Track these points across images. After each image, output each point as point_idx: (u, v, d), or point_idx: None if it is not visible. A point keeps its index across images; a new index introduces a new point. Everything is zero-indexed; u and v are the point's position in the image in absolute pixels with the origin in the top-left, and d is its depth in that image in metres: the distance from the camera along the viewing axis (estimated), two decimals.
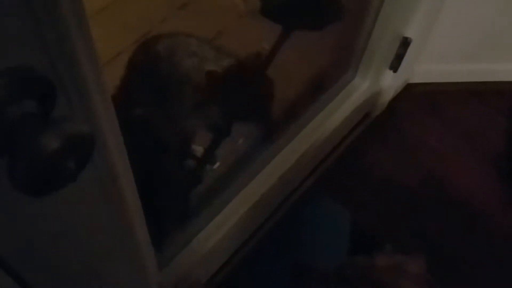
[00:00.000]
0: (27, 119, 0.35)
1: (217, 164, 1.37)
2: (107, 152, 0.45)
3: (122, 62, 1.46)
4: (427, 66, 1.56)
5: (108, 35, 1.51)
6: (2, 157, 0.35)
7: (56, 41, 0.36)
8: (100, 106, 0.41)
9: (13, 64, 0.35)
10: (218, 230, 1.09)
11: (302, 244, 1.29)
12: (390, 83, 1.41)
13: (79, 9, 0.36)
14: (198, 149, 1.37)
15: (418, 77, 1.59)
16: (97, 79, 0.40)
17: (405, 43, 1.26)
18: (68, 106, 0.40)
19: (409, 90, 1.60)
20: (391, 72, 1.36)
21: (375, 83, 1.37)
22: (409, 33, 1.25)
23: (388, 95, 1.51)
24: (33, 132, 0.35)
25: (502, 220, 1.37)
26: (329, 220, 1.33)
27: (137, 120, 1.06)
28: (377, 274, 0.85)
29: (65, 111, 0.40)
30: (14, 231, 0.44)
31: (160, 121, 1.17)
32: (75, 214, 0.50)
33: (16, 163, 0.35)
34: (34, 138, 0.34)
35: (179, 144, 1.35)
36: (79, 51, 0.37)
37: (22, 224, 0.44)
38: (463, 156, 1.49)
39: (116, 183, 0.50)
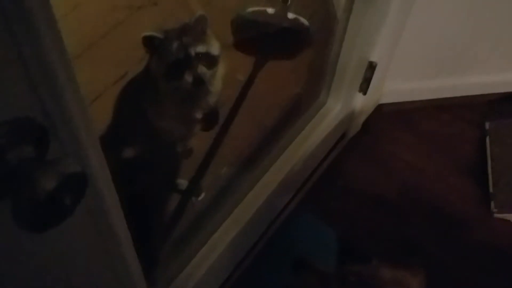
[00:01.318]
0: (25, 163, 0.39)
1: (202, 195, 1.40)
2: (97, 188, 0.50)
3: (107, 99, 1.51)
4: (396, 86, 1.63)
5: (95, 73, 1.56)
6: (5, 199, 0.39)
7: (48, 92, 0.40)
8: (89, 147, 0.46)
9: (10, 115, 0.39)
10: (209, 257, 1.12)
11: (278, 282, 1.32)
12: (361, 105, 1.48)
13: (66, 59, 0.40)
14: (183, 183, 1.41)
15: (388, 97, 1.66)
16: (85, 123, 0.45)
17: (371, 66, 1.33)
18: (61, 148, 0.45)
19: (381, 110, 1.67)
20: (361, 94, 1.42)
21: (347, 105, 1.43)
22: (374, 57, 1.32)
23: (361, 116, 1.57)
24: (31, 175, 0.39)
25: (480, 227, 1.43)
26: (316, 238, 1.37)
27: (124, 158, 1.10)
28: (380, 284, 0.88)
29: (58, 153, 0.44)
30: (11, 265, 0.47)
31: (145, 156, 1.22)
32: (69, 247, 0.53)
33: (19, 204, 0.39)
34: (32, 180, 0.39)
35: (163, 178, 1.39)
36: (68, 100, 0.42)
37: (19, 258, 0.48)
38: (438, 168, 1.55)
39: (107, 216, 0.54)
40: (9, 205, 0.39)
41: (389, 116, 1.66)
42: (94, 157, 0.47)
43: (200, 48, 1.05)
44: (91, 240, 0.56)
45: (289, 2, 1.72)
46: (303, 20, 1.74)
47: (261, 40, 1.71)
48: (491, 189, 1.47)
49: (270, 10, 1.75)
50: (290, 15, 1.74)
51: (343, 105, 1.40)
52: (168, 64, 1.05)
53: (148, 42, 1.06)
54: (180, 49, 1.04)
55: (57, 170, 0.40)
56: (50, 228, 0.40)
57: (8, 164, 0.39)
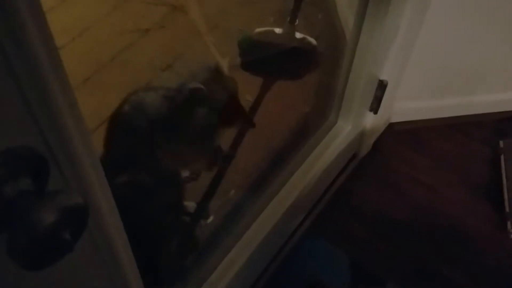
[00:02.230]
0: (23, 196, 0.37)
1: (211, 218, 1.38)
2: (101, 219, 0.48)
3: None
4: (407, 105, 1.61)
5: (102, 96, 1.56)
6: (1, 233, 0.37)
7: (47, 120, 0.39)
8: (92, 177, 0.44)
9: (8, 144, 0.37)
10: (219, 283, 1.09)
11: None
12: (372, 124, 1.45)
13: (67, 88, 0.39)
14: (191, 205, 1.39)
15: (399, 116, 1.64)
16: (87, 151, 0.43)
17: (382, 85, 1.31)
18: (61, 180, 0.43)
19: (392, 129, 1.65)
20: (371, 113, 1.40)
21: (358, 125, 1.41)
22: (384, 76, 1.30)
23: (372, 136, 1.55)
24: (29, 208, 0.37)
25: (497, 248, 1.39)
26: (328, 262, 1.34)
27: (128, 183, 1.08)
28: None
29: (58, 184, 0.42)
30: None
31: (150, 180, 1.20)
32: (73, 281, 0.51)
33: (15, 239, 0.37)
34: (31, 213, 0.37)
35: (171, 201, 1.37)
36: (69, 127, 0.40)
37: None
38: (452, 188, 1.51)
39: (112, 248, 0.52)
40: (4, 240, 0.37)
41: (400, 136, 1.63)
42: (98, 187, 0.45)
43: None
44: (95, 272, 0.53)
45: (296, 22, 1.71)
46: (311, 40, 1.73)
47: (269, 61, 1.70)
48: (507, 209, 1.43)
49: (278, 30, 1.74)
50: (298, 35, 1.73)
51: (353, 124, 1.38)
52: None
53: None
54: None
55: (56, 203, 0.38)
56: (49, 265, 0.38)
57: (5, 196, 0.37)
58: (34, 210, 0.36)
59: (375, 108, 1.38)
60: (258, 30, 1.75)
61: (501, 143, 1.56)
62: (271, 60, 1.71)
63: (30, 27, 0.34)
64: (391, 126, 1.65)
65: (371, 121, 1.44)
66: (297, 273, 1.31)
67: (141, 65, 1.73)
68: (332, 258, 1.34)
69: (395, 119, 1.65)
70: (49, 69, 0.37)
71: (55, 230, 0.36)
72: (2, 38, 0.32)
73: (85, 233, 0.41)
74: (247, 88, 1.66)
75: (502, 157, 1.53)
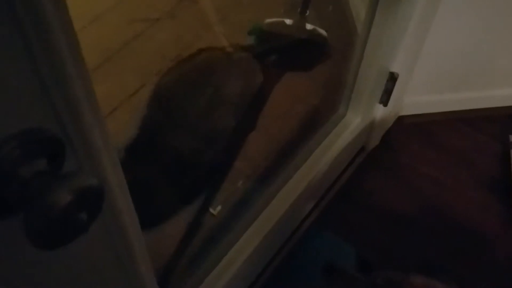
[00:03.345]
0: (39, 177, 0.38)
1: (219, 207, 1.39)
2: (113, 202, 0.48)
3: (124, 111, 1.51)
4: (417, 98, 1.60)
5: (112, 85, 1.57)
6: (18, 214, 0.38)
7: (63, 103, 0.39)
8: (106, 159, 0.44)
9: (24, 126, 0.37)
10: (225, 273, 1.10)
11: (311, 279, 1.30)
12: (381, 117, 1.45)
13: (84, 72, 0.39)
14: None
15: (408, 109, 1.63)
16: (102, 134, 0.43)
17: (392, 78, 1.30)
18: (76, 162, 0.43)
19: (401, 122, 1.64)
20: (381, 106, 1.39)
21: (367, 118, 1.41)
22: (395, 68, 1.29)
23: (381, 129, 1.54)
24: (46, 189, 0.37)
25: (504, 243, 1.38)
26: (335, 255, 1.34)
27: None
28: None
29: (73, 167, 0.42)
30: (21, 281, 0.46)
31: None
32: (82, 264, 0.51)
33: (32, 220, 0.37)
34: (47, 194, 0.37)
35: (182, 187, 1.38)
36: (85, 110, 0.40)
37: (30, 274, 0.46)
38: (460, 182, 1.51)
39: (123, 231, 0.52)
40: (21, 220, 0.37)
41: (409, 129, 1.63)
42: (112, 170, 0.45)
43: None
44: (105, 256, 0.54)
45: (307, 13, 1.71)
46: (321, 31, 1.72)
47: (279, 51, 1.70)
48: None
49: (288, 21, 1.74)
50: (308, 26, 1.73)
51: (363, 117, 1.38)
52: None
53: None
54: None
55: (72, 184, 0.38)
56: (63, 245, 0.38)
57: (22, 178, 0.37)
58: (50, 190, 0.37)
59: (385, 100, 1.37)
60: (268, 20, 1.74)
61: (511, 138, 1.55)
62: (281, 51, 1.71)
63: (50, 10, 0.34)
64: (400, 119, 1.64)
65: (381, 114, 1.43)
66: (308, 258, 1.31)
67: (151, 54, 1.73)
68: (339, 250, 1.35)
69: (405, 112, 1.64)
70: (67, 51, 0.37)
71: (71, 211, 0.37)
72: (23, 18, 0.33)
73: (99, 216, 0.41)
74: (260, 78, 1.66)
75: (511, 151, 1.52)
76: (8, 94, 0.35)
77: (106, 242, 0.51)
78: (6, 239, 0.40)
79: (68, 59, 0.37)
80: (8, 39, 0.33)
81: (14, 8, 0.32)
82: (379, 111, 1.42)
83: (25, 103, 0.37)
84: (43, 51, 0.35)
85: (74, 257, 0.47)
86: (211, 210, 1.39)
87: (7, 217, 0.39)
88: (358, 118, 1.38)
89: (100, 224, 0.45)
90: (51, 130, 0.39)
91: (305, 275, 1.29)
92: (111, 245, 0.52)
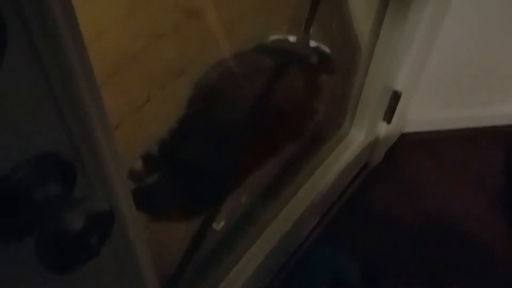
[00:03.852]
0: (52, 201, 0.38)
1: (222, 223, 1.39)
2: (124, 226, 0.48)
3: (129, 126, 1.52)
4: (420, 115, 1.60)
5: (117, 100, 1.58)
6: (30, 237, 0.38)
7: (78, 128, 0.39)
8: (117, 184, 0.44)
9: (39, 151, 0.38)
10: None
11: None
12: (385, 134, 1.45)
13: (98, 99, 0.39)
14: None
15: (412, 126, 1.64)
16: (114, 159, 0.43)
17: (396, 96, 1.31)
18: (87, 186, 0.43)
19: (405, 139, 1.64)
20: (385, 123, 1.40)
21: (371, 135, 1.41)
22: (398, 86, 1.30)
23: (384, 145, 1.55)
24: (58, 213, 0.37)
25: (509, 258, 1.38)
26: (340, 269, 1.34)
27: None
28: None
29: (84, 191, 0.43)
30: None
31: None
32: (92, 285, 0.52)
33: (43, 243, 0.37)
34: (59, 218, 0.37)
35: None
36: (98, 136, 0.41)
37: None
38: (465, 199, 1.51)
39: (132, 254, 0.52)
40: (33, 243, 0.37)
41: (413, 146, 1.63)
42: (122, 194, 0.46)
43: None
44: (113, 279, 0.54)
45: (311, 30, 1.72)
46: (325, 48, 1.73)
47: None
48: None
49: (292, 38, 1.75)
50: (312, 43, 1.74)
51: (366, 134, 1.38)
52: None
53: None
54: None
55: (84, 208, 0.38)
56: (75, 269, 0.38)
57: (35, 201, 0.38)
58: (62, 214, 0.37)
59: (388, 118, 1.38)
60: (272, 37, 1.76)
61: None
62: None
63: (63, 29, 0.35)
64: (403, 136, 1.65)
65: (384, 131, 1.44)
66: (313, 273, 1.31)
67: (156, 68, 1.74)
68: (344, 264, 1.34)
69: (408, 129, 1.64)
70: (81, 75, 0.37)
71: (82, 235, 0.37)
72: (37, 39, 0.33)
73: (109, 239, 0.42)
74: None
75: None
76: (25, 119, 0.35)
77: (115, 265, 0.51)
78: (18, 261, 0.40)
79: (81, 81, 0.38)
80: (26, 67, 0.34)
81: (32, 40, 0.33)
82: (383, 128, 1.43)
83: (41, 128, 0.37)
84: (59, 79, 0.36)
85: (82, 279, 0.47)
86: (214, 225, 1.39)
87: (20, 240, 0.39)
88: (362, 135, 1.39)
89: (109, 248, 0.45)
90: (64, 155, 0.40)
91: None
92: (119, 268, 0.52)
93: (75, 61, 0.37)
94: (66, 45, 0.35)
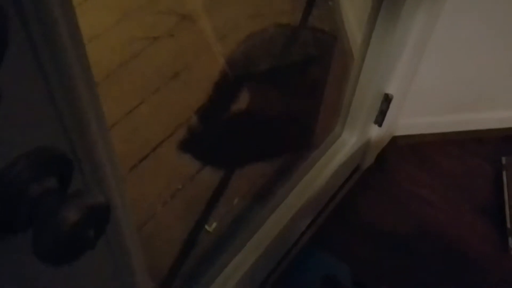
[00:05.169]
0: (48, 194, 0.39)
1: (214, 225, 1.39)
2: (117, 220, 0.49)
3: (122, 129, 1.53)
4: (411, 119, 1.62)
5: (111, 102, 1.58)
6: (27, 231, 0.39)
7: (74, 124, 0.40)
8: (111, 178, 0.45)
9: (36, 145, 0.39)
10: None
11: None
12: (376, 137, 1.47)
13: (94, 94, 0.41)
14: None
15: (403, 130, 1.65)
16: (108, 154, 0.44)
17: (387, 99, 1.33)
18: (82, 180, 0.44)
19: (396, 143, 1.66)
20: (376, 126, 1.42)
21: (362, 137, 1.43)
22: (390, 90, 1.32)
23: (375, 149, 1.56)
24: (55, 206, 0.38)
25: (497, 265, 1.39)
26: (330, 273, 1.35)
27: None
28: None
29: (79, 185, 0.44)
30: None
31: None
32: (85, 278, 0.52)
33: (40, 236, 0.38)
34: (56, 212, 0.38)
35: None
36: (94, 131, 0.42)
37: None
38: (453, 204, 1.52)
39: (124, 248, 0.53)
40: (30, 236, 0.38)
41: (403, 149, 1.65)
42: (117, 188, 0.47)
43: None
44: (106, 271, 0.55)
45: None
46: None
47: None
48: (508, 225, 1.44)
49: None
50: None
51: (358, 137, 1.40)
52: None
53: None
54: None
55: (80, 202, 0.39)
56: (71, 261, 0.39)
57: (32, 195, 0.39)
58: (59, 208, 0.38)
59: (380, 121, 1.40)
60: None
61: (503, 160, 1.57)
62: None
63: (62, 27, 0.36)
64: (394, 140, 1.67)
65: (376, 134, 1.45)
66: (303, 277, 1.32)
67: (150, 72, 1.76)
68: (334, 268, 1.35)
69: (399, 132, 1.66)
70: (78, 71, 0.38)
71: (79, 228, 0.38)
72: (35, 35, 0.34)
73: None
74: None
75: (504, 173, 1.55)
76: (23, 114, 0.36)
77: (107, 257, 0.52)
78: (14, 254, 0.41)
79: (78, 77, 0.39)
80: (24, 63, 0.35)
81: (31, 35, 0.34)
82: (374, 131, 1.44)
83: (37, 122, 0.38)
84: (56, 74, 0.37)
85: (77, 271, 0.48)
86: (206, 227, 1.40)
87: (16, 233, 0.40)
88: (354, 138, 1.40)
89: (103, 240, 0.46)
90: (60, 149, 0.41)
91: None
92: (111, 260, 0.53)
93: (72, 57, 0.38)
94: (64, 41, 0.37)
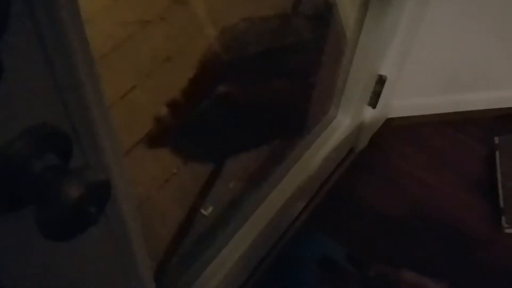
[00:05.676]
0: (50, 171, 0.39)
1: (210, 209, 1.40)
2: (118, 196, 0.49)
3: (115, 112, 1.52)
4: (405, 100, 1.63)
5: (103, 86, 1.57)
6: (29, 207, 0.39)
7: (74, 100, 0.40)
8: (111, 156, 0.45)
9: (37, 121, 0.39)
10: (217, 273, 1.11)
11: (301, 283, 1.32)
12: (370, 119, 1.47)
13: (95, 73, 0.40)
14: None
15: (397, 111, 1.66)
16: (108, 131, 0.44)
17: (381, 80, 1.33)
18: (82, 157, 0.44)
19: (389, 124, 1.67)
20: (370, 108, 1.42)
21: (356, 119, 1.43)
22: (383, 71, 1.32)
23: (369, 130, 1.57)
24: (57, 183, 0.38)
25: (491, 243, 1.41)
26: (325, 254, 1.36)
27: None
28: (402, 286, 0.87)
29: (80, 161, 0.44)
30: (27, 272, 0.47)
31: None
32: (85, 258, 0.53)
33: (43, 212, 0.38)
34: (58, 188, 0.38)
35: None
36: (94, 108, 0.42)
37: (38, 271, 0.47)
38: (448, 184, 1.54)
39: (124, 228, 0.53)
40: (33, 212, 0.38)
41: (397, 131, 1.66)
42: (117, 165, 0.47)
43: None
44: (106, 251, 0.55)
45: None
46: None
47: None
48: (501, 204, 1.46)
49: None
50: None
51: (352, 119, 1.40)
52: None
53: None
54: None
55: (82, 178, 0.39)
56: (74, 236, 0.39)
57: (32, 171, 0.39)
58: (61, 184, 0.38)
59: (373, 103, 1.40)
60: None
61: (496, 139, 1.58)
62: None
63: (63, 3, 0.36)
64: (389, 121, 1.67)
65: (369, 116, 1.46)
66: (299, 258, 1.33)
67: (142, 55, 1.74)
68: (329, 249, 1.37)
69: (393, 114, 1.67)
70: (77, 48, 0.38)
71: (81, 204, 0.38)
72: (40, 16, 0.34)
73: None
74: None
75: (497, 153, 1.56)
76: (24, 90, 0.36)
77: (108, 234, 0.52)
78: (18, 231, 0.41)
79: (78, 54, 0.39)
80: (25, 40, 0.35)
81: (33, 12, 0.33)
82: (368, 113, 1.45)
83: (39, 99, 0.38)
84: (58, 53, 0.36)
85: (78, 249, 0.48)
86: (202, 211, 1.40)
87: (19, 210, 0.40)
88: (348, 119, 1.41)
89: (104, 217, 0.46)
90: (60, 126, 0.41)
91: (296, 274, 1.31)
92: (112, 237, 0.54)
93: (72, 34, 0.38)
94: (65, 18, 0.36)
